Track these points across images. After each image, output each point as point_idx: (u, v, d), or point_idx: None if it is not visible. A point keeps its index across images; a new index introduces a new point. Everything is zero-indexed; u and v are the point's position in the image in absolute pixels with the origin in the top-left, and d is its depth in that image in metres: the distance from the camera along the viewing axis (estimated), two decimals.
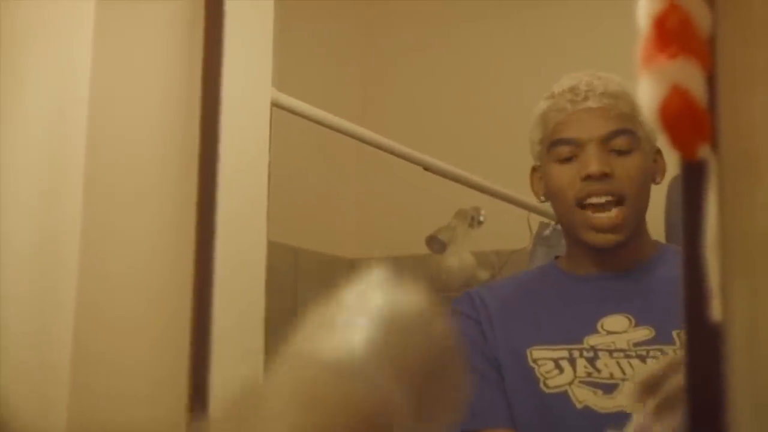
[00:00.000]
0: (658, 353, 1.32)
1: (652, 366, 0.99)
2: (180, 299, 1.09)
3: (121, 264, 1.10)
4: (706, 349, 0.63)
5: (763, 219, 0.65)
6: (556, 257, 1.61)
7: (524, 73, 2.72)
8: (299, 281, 2.80)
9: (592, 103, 1.43)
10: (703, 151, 0.64)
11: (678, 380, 0.94)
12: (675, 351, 1.28)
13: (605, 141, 1.42)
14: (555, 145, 1.44)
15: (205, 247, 1.10)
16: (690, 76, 0.63)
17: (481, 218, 2.59)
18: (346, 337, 0.47)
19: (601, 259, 1.46)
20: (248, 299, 1.22)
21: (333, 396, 0.43)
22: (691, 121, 0.63)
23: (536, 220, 2.40)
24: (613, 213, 1.40)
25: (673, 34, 0.62)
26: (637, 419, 0.96)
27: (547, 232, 2.35)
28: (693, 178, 0.65)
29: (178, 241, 1.11)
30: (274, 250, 1.31)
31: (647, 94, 0.64)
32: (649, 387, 0.97)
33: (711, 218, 0.64)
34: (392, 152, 1.83)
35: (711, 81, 0.65)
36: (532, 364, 1.37)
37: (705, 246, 0.64)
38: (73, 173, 1.07)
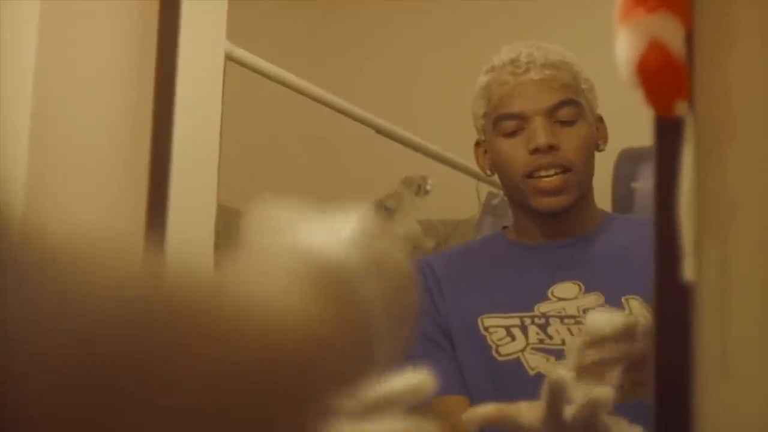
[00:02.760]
0: None
1: (605, 327, 1.00)
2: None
3: (70, 221, 1.07)
4: (676, 309, 0.62)
5: (736, 179, 0.64)
6: (504, 227, 1.62)
7: (479, 41, 2.71)
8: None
9: (534, 75, 1.42)
10: (681, 109, 0.63)
11: (621, 349, 0.96)
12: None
13: (550, 113, 1.42)
14: (500, 120, 1.44)
15: (157, 207, 1.07)
16: (670, 31, 0.62)
17: (428, 187, 2.58)
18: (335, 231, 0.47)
19: (549, 227, 1.46)
20: (197, 261, 1.20)
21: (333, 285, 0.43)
22: (669, 77, 0.62)
23: (484, 189, 2.40)
24: (558, 177, 1.41)
25: None
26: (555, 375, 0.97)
27: (495, 201, 2.34)
28: (668, 136, 0.64)
29: (128, 199, 1.08)
30: (218, 212, 1.29)
31: (624, 48, 0.63)
32: (591, 346, 0.98)
33: (686, 178, 0.63)
34: (342, 111, 1.80)
35: (689, 37, 0.64)
36: (483, 332, 1.37)
37: (678, 206, 0.63)
38: (20, 134, 1.03)
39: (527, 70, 1.40)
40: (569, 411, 0.96)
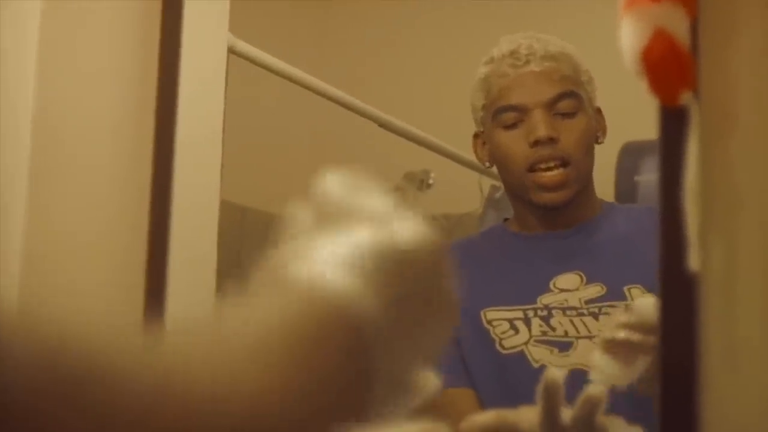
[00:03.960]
0: (610, 310, 1.33)
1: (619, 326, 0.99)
2: (135, 255, 1.07)
3: (73, 225, 1.07)
4: (681, 299, 0.62)
5: (741, 169, 0.64)
6: (505, 219, 1.61)
7: (481, 34, 2.70)
8: (245, 242, 2.76)
9: (534, 67, 1.42)
10: (686, 98, 0.63)
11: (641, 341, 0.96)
12: (627, 306, 1.29)
13: (550, 105, 1.41)
14: (500, 112, 1.44)
15: (161, 205, 1.07)
16: (675, 20, 0.62)
17: (431, 181, 2.58)
18: (328, 253, 0.44)
19: (549, 219, 1.46)
20: (200, 258, 1.20)
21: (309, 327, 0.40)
22: (674, 66, 0.62)
23: (487, 183, 2.40)
24: (559, 172, 1.40)
25: None
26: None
27: (498, 195, 2.34)
28: (673, 126, 0.64)
29: (131, 199, 1.08)
30: (221, 208, 1.28)
31: (629, 38, 0.63)
32: (633, 328, 0.98)
33: (691, 168, 0.63)
34: (345, 105, 1.80)
35: (694, 27, 0.63)
36: (486, 325, 1.37)
37: (683, 196, 0.63)
38: (21, 134, 1.02)
39: (527, 61, 1.40)
40: (567, 414, 0.95)
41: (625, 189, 2.18)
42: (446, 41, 2.94)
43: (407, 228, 0.48)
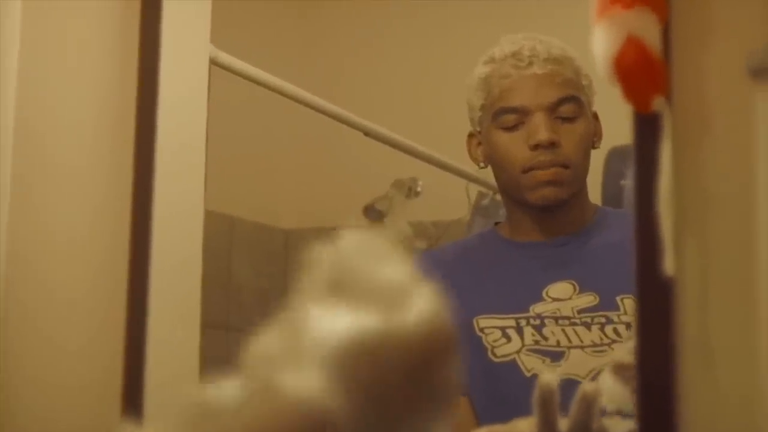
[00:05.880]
0: (602, 319, 1.32)
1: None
2: (116, 264, 1.07)
3: (54, 230, 1.06)
4: (658, 304, 0.63)
5: (713, 172, 0.65)
6: (496, 223, 1.59)
7: (467, 42, 2.70)
8: (234, 251, 2.76)
9: (537, 69, 1.39)
10: (658, 104, 0.63)
11: None
12: (619, 317, 1.28)
13: (552, 108, 1.39)
14: (500, 113, 1.41)
15: (142, 215, 1.07)
16: (646, 26, 0.63)
17: (419, 189, 2.58)
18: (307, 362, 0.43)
19: (543, 223, 1.44)
20: (185, 268, 1.20)
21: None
22: (646, 72, 0.63)
23: (474, 190, 2.40)
24: (557, 170, 1.39)
25: None
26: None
27: (485, 201, 2.34)
28: (646, 131, 0.65)
29: (113, 209, 1.08)
30: (208, 218, 1.28)
31: (602, 44, 0.63)
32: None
33: (664, 173, 0.63)
34: (331, 115, 1.79)
35: (666, 32, 0.64)
36: (479, 333, 1.36)
37: (658, 200, 0.63)
38: (1, 140, 1.02)
39: (530, 63, 1.38)
40: (563, 423, 0.93)
41: (612, 193, 2.19)
42: (432, 49, 2.94)
43: (418, 309, 0.45)
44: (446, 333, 0.46)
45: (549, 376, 0.96)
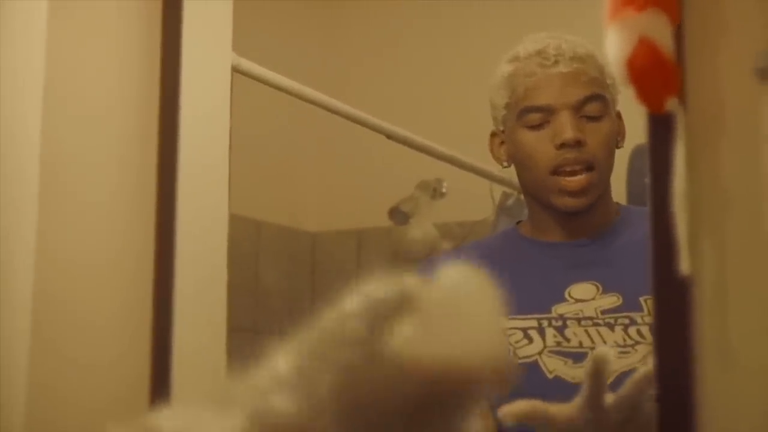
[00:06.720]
0: (626, 320, 1.31)
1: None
2: (142, 272, 1.08)
3: (80, 236, 1.08)
4: (674, 303, 0.63)
5: (729, 173, 0.65)
6: (518, 222, 1.58)
7: (488, 43, 2.70)
8: (261, 255, 2.78)
9: (562, 68, 1.38)
10: (671, 105, 0.64)
11: None
12: (643, 318, 1.27)
13: (578, 107, 1.38)
14: (525, 112, 1.40)
15: (166, 221, 1.08)
16: (658, 28, 0.63)
17: (444, 189, 2.58)
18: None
19: (567, 225, 1.43)
20: (210, 273, 1.21)
21: None
22: (659, 74, 0.63)
23: (498, 190, 2.40)
24: (583, 177, 1.37)
25: None
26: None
27: (509, 202, 2.34)
28: (660, 132, 0.65)
29: (138, 216, 1.09)
30: (235, 222, 1.29)
31: (614, 47, 0.64)
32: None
33: (679, 173, 0.64)
34: (354, 119, 1.81)
35: (678, 34, 0.64)
36: None
37: (673, 200, 0.64)
38: (28, 148, 1.04)
39: (556, 62, 1.37)
40: (609, 397, 0.94)
41: (637, 191, 2.18)
42: (452, 50, 2.94)
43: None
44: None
45: (605, 348, 0.97)
